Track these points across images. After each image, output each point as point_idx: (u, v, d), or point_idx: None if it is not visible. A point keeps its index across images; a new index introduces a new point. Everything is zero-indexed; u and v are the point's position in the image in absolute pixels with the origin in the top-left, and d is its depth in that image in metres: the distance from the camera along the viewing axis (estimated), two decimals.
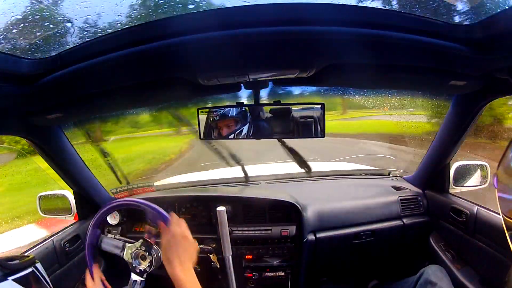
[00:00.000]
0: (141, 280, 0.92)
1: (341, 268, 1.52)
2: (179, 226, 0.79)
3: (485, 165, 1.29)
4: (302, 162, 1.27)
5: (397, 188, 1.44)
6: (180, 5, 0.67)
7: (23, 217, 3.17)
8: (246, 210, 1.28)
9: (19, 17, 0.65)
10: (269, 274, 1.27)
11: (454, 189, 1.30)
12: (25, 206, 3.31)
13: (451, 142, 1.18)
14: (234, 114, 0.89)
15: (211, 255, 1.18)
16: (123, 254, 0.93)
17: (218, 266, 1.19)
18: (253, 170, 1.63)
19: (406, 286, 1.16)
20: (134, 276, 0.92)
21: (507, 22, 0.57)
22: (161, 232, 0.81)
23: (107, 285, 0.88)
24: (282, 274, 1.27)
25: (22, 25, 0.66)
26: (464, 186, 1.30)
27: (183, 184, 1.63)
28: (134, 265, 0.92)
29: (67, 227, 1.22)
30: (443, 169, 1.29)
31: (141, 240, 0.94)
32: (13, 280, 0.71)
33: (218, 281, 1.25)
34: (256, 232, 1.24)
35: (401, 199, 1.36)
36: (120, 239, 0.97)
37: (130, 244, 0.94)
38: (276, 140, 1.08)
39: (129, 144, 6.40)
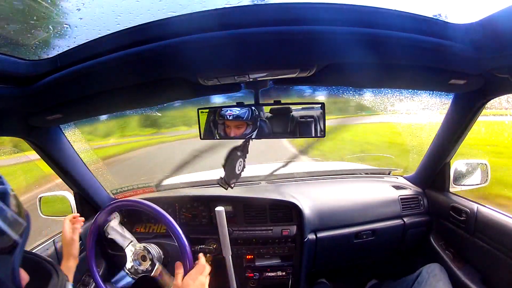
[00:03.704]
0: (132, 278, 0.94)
1: (342, 267, 1.52)
2: (204, 275, 0.80)
3: (486, 164, 1.29)
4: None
5: (397, 187, 1.44)
6: (180, 5, 0.67)
7: None
8: (247, 210, 1.28)
9: (18, 17, 0.65)
10: (269, 274, 1.27)
11: (455, 188, 1.30)
12: None
13: (451, 141, 1.18)
14: (249, 117, 0.87)
15: (206, 256, 1.18)
16: (126, 248, 0.94)
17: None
18: (253, 170, 1.63)
19: (404, 285, 1.16)
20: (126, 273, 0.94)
21: (507, 21, 0.57)
22: (177, 267, 0.80)
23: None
24: (283, 273, 1.27)
25: (21, 26, 0.66)
26: (465, 185, 1.30)
27: (183, 184, 1.62)
28: (133, 265, 0.92)
29: None
30: (443, 168, 1.29)
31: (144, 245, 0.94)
32: None
33: (219, 280, 1.25)
34: (257, 232, 1.24)
35: (401, 198, 1.36)
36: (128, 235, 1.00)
37: (133, 241, 0.94)
38: (276, 140, 1.07)
39: None
